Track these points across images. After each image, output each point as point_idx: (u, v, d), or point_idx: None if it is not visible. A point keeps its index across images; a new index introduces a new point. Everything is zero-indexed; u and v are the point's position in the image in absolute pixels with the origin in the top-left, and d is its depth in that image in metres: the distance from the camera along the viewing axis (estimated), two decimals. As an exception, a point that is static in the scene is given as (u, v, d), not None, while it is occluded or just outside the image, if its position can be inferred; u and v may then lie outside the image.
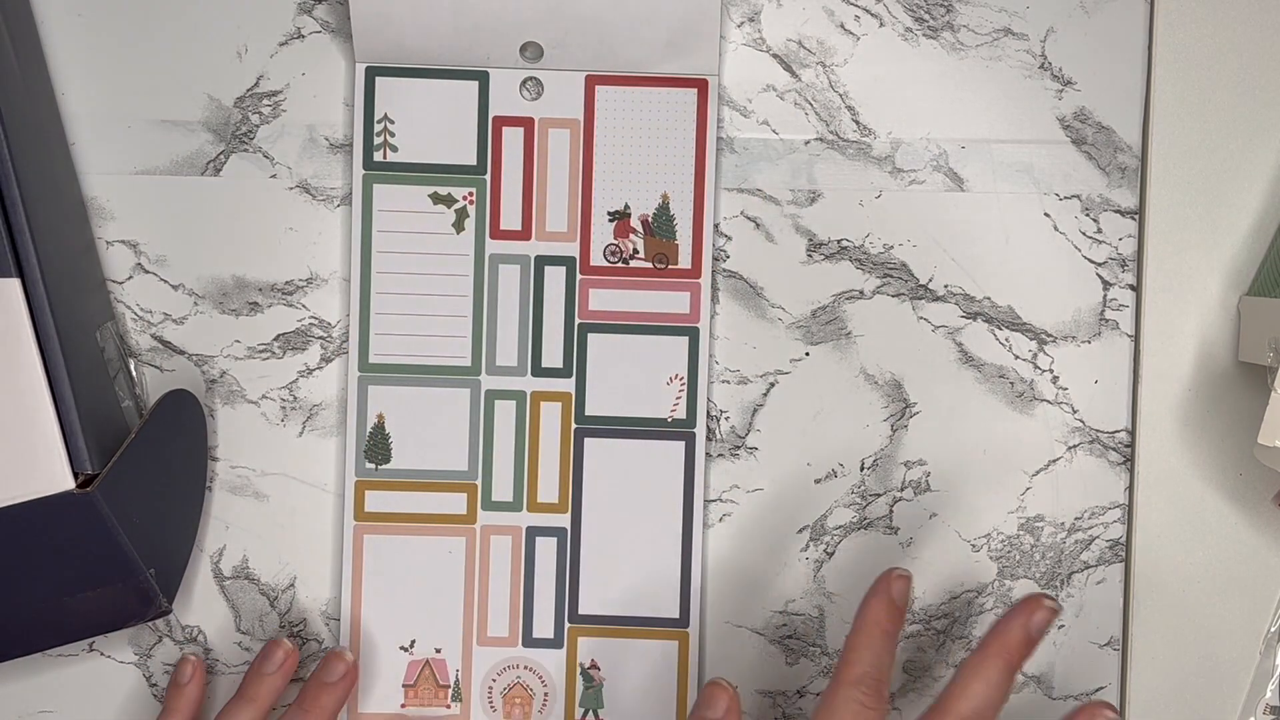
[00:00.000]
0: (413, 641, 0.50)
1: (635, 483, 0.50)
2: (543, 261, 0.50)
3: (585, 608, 0.50)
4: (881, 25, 0.50)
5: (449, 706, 0.50)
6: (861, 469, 0.51)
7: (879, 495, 0.51)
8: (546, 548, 0.50)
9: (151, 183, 0.50)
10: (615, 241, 0.50)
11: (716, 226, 0.51)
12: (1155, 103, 0.50)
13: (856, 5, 0.50)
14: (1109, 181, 0.51)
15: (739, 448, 0.51)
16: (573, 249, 0.50)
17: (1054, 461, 0.51)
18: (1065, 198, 0.51)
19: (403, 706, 0.50)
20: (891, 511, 0.51)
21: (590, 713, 0.50)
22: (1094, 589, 0.51)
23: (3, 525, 0.44)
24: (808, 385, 0.51)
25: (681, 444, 0.50)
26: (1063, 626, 0.51)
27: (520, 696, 0.50)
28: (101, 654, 0.51)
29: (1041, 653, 0.51)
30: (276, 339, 0.51)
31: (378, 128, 0.49)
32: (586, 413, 0.50)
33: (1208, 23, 0.50)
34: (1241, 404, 0.50)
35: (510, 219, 0.50)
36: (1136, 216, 0.51)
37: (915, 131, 0.50)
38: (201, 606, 0.51)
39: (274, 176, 0.50)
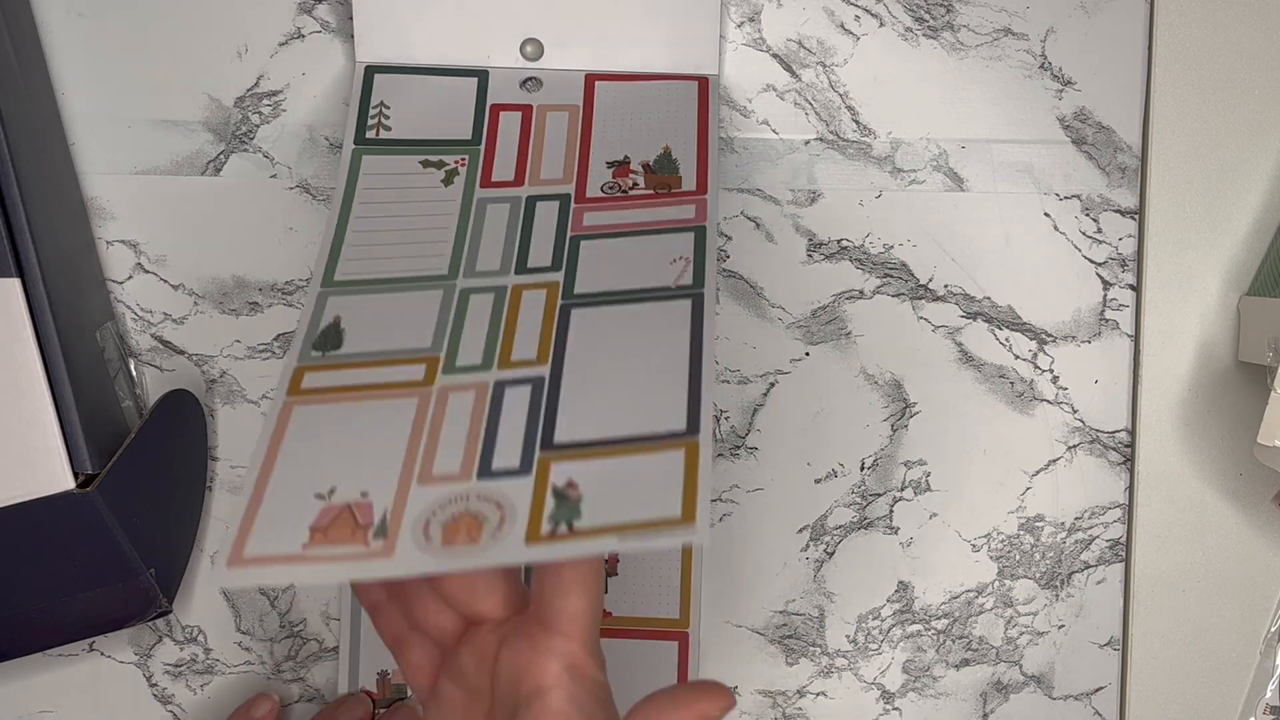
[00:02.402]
0: (332, 489, 0.38)
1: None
2: (534, 200, 0.46)
3: (564, 436, 0.39)
4: (881, 25, 0.50)
5: (367, 545, 0.37)
6: (861, 469, 0.51)
7: (879, 495, 0.51)
8: (518, 396, 0.40)
9: (151, 183, 0.50)
10: (614, 180, 0.47)
11: (716, 226, 0.51)
12: (1155, 103, 0.50)
13: (856, 5, 0.50)
14: (1109, 181, 0.51)
15: (739, 448, 0.51)
16: (568, 189, 0.47)
17: (1054, 461, 0.51)
18: (1065, 198, 0.51)
19: (303, 548, 0.37)
20: (891, 511, 0.51)
21: (564, 524, 0.36)
22: (1094, 589, 0.51)
23: (3, 525, 0.44)
24: (808, 385, 0.51)
25: None
26: (1063, 626, 0.51)
27: (467, 525, 0.37)
28: (101, 654, 0.51)
29: (1042, 653, 0.51)
30: (276, 339, 0.51)
31: (372, 112, 0.49)
32: (576, 293, 0.43)
33: (1208, 23, 0.50)
34: (1241, 404, 0.50)
35: (503, 174, 0.47)
36: (1136, 216, 0.51)
37: (915, 131, 0.50)
38: (201, 606, 0.51)
39: (274, 176, 0.50)
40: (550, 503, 0.37)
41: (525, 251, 0.45)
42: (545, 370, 0.41)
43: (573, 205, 0.46)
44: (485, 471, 0.38)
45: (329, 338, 0.42)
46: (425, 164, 0.48)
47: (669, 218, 0.45)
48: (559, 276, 0.43)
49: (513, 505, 0.37)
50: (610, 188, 0.46)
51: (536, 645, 0.37)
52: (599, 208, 0.46)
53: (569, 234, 0.45)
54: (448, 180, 0.47)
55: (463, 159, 0.48)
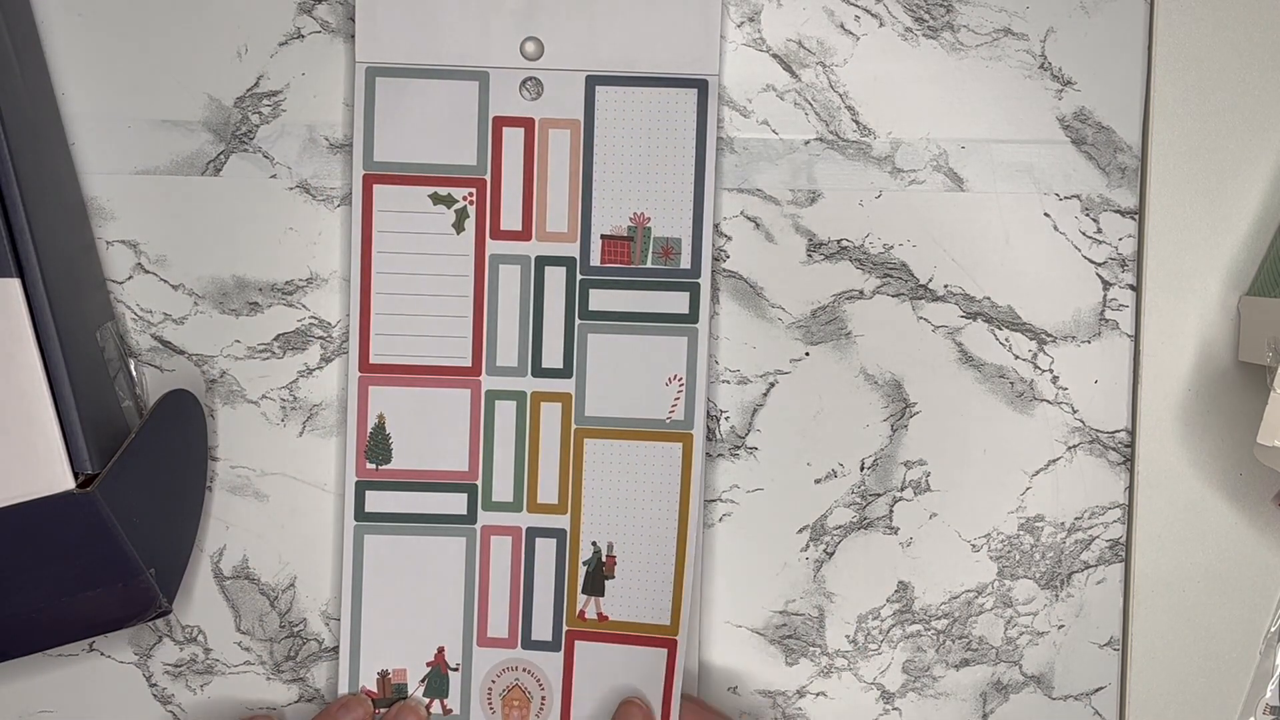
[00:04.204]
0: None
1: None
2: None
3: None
4: (881, 25, 0.50)
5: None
6: (861, 469, 0.51)
7: (879, 495, 0.51)
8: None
9: (151, 183, 0.50)
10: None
11: (716, 226, 0.51)
12: (1155, 103, 0.50)
13: (856, 5, 0.50)
14: (1109, 181, 0.51)
15: (739, 448, 0.51)
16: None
17: (1054, 461, 0.51)
18: (1065, 198, 0.51)
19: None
20: (891, 511, 0.51)
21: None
22: (1094, 589, 0.51)
23: (3, 525, 0.44)
24: (808, 385, 0.51)
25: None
26: (1063, 626, 0.51)
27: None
28: (101, 654, 0.51)
29: (1042, 653, 0.51)
30: (276, 339, 0.51)
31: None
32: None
33: (1208, 23, 0.50)
34: (1241, 404, 0.50)
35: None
36: (1136, 216, 0.51)
37: (915, 131, 0.50)
38: (201, 606, 0.51)
39: (274, 176, 0.50)
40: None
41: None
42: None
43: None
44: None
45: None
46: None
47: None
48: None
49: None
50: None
51: None
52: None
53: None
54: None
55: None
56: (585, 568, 0.50)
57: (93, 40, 0.50)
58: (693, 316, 0.50)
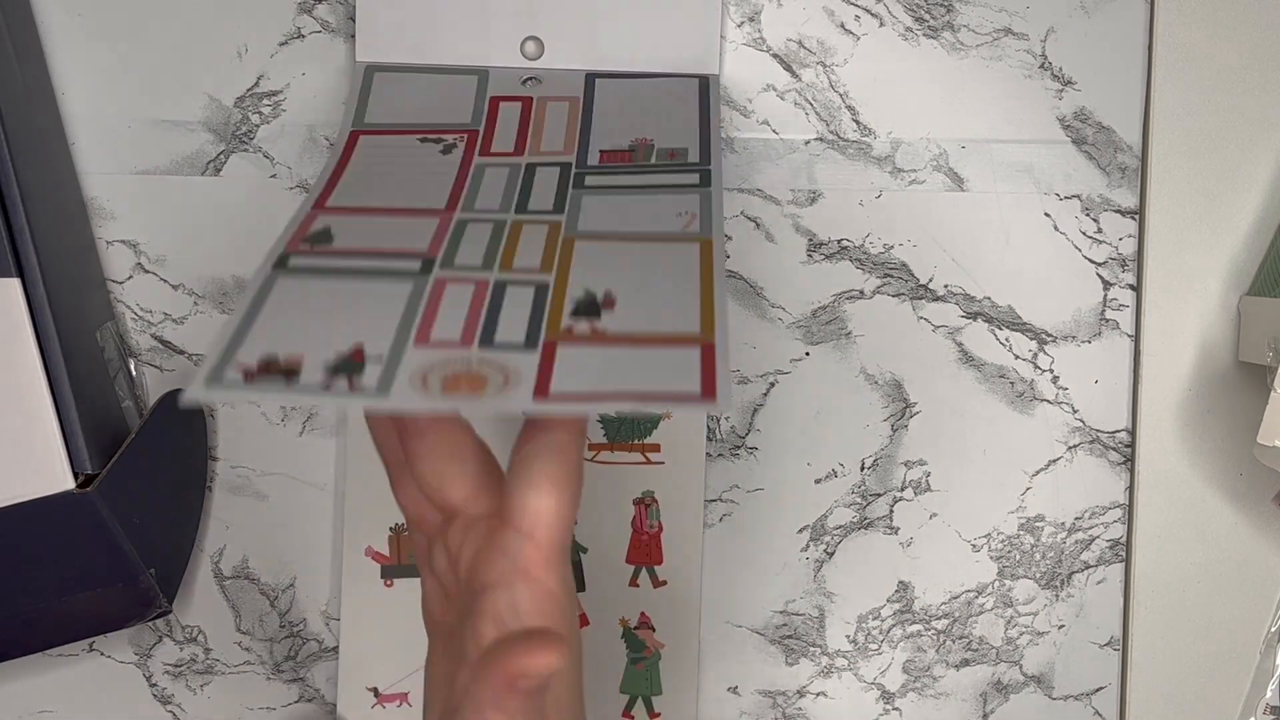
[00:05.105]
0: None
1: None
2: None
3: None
4: (881, 25, 0.50)
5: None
6: (861, 469, 0.51)
7: (879, 495, 0.51)
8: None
9: (151, 183, 0.50)
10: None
11: (716, 226, 0.51)
12: (1155, 103, 0.50)
13: (856, 5, 0.50)
14: (1109, 181, 0.51)
15: (739, 447, 0.51)
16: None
17: (1054, 461, 0.51)
18: (1065, 198, 0.51)
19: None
20: (891, 511, 0.51)
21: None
22: (1094, 589, 0.51)
23: (3, 525, 0.44)
24: (808, 385, 0.51)
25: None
26: (1063, 626, 0.51)
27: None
28: (101, 654, 0.51)
29: (1042, 653, 0.51)
30: (276, 339, 0.51)
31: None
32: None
33: (1208, 23, 0.50)
34: (1241, 404, 0.50)
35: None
36: (1136, 216, 0.51)
37: (915, 131, 0.50)
38: (201, 606, 0.51)
39: (274, 176, 0.50)
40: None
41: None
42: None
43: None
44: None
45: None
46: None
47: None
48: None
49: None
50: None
51: (492, 540, 0.35)
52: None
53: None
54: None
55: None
56: (573, 304, 0.37)
57: (93, 40, 0.50)
58: (705, 183, 0.42)
